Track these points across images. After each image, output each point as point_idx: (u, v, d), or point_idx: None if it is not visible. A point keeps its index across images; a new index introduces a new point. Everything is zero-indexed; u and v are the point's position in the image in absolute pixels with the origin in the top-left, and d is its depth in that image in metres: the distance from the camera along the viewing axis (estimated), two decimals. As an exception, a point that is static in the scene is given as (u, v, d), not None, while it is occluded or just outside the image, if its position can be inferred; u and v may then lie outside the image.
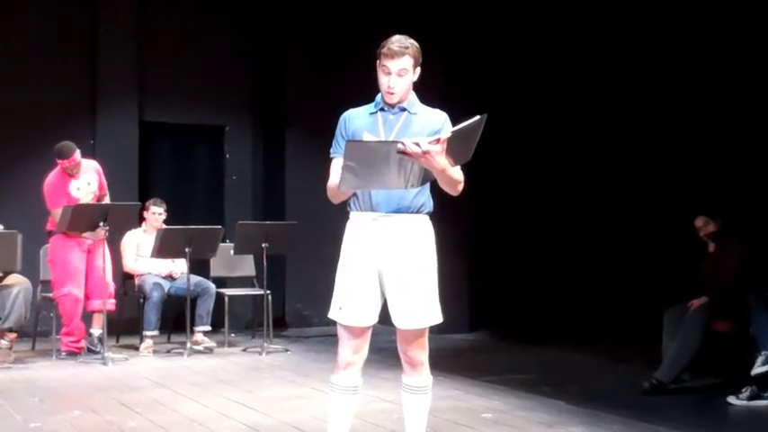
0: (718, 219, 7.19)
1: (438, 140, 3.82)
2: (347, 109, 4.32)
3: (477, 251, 10.21)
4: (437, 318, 4.27)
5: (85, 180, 8.38)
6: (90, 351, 8.27)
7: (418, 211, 4.22)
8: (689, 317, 6.90)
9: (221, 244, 8.98)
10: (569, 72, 10.19)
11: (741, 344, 6.70)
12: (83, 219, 8.02)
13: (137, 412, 6.01)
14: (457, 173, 4.07)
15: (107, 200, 8.57)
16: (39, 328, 8.82)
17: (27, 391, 6.85)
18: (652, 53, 9.38)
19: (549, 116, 10.47)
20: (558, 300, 10.04)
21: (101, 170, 8.56)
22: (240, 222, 9.06)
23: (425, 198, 4.23)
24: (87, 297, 8.36)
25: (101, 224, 7.98)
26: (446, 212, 10.03)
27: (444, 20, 9.80)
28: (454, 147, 3.87)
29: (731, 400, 6.40)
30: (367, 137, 4.09)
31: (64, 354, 8.27)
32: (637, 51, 9.54)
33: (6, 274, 8.11)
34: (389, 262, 4.18)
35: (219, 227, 9.01)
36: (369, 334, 4.30)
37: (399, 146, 3.78)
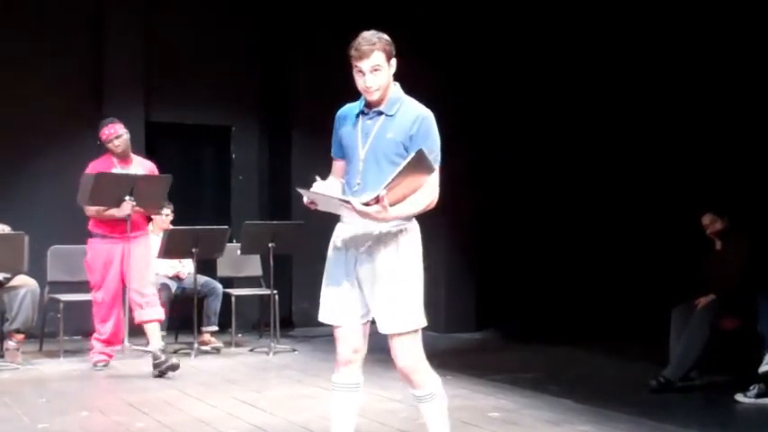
0: (726, 216, 7.18)
1: (377, 200, 3.83)
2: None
3: (484, 250, 10.20)
4: (420, 321, 4.21)
5: (134, 171, 7.73)
6: (156, 368, 7.36)
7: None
8: (696, 315, 6.89)
9: (228, 244, 8.99)
10: (577, 70, 10.17)
11: (748, 341, 6.69)
12: (106, 190, 7.34)
13: (144, 413, 6.02)
14: (414, 207, 4.04)
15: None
16: (46, 330, 8.82)
17: (34, 391, 6.86)
18: (657, 51, 9.37)
19: (555, 113, 10.45)
20: (564, 298, 10.02)
21: (156, 172, 7.96)
22: (247, 222, 9.06)
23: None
24: (131, 308, 7.63)
25: (127, 197, 7.30)
26: (452, 212, 10.09)
27: (446, 19, 9.81)
28: (404, 183, 3.87)
29: (739, 397, 6.39)
30: (317, 185, 4.07)
31: (99, 365, 7.74)
32: (642, 48, 9.53)
33: (13, 275, 8.13)
34: (363, 267, 4.17)
35: (226, 227, 9.01)
36: (362, 333, 4.29)
37: (346, 204, 3.88)
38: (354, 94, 4.29)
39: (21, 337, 8.20)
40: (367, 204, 3.87)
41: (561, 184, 10.51)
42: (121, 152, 7.64)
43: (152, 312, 7.61)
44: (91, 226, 7.70)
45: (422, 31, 9.76)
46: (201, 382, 7.16)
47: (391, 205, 3.89)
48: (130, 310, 7.61)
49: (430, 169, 3.97)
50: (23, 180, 9.38)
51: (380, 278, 4.13)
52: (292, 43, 10.60)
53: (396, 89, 4.22)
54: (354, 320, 4.25)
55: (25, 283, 8.15)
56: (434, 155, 4.04)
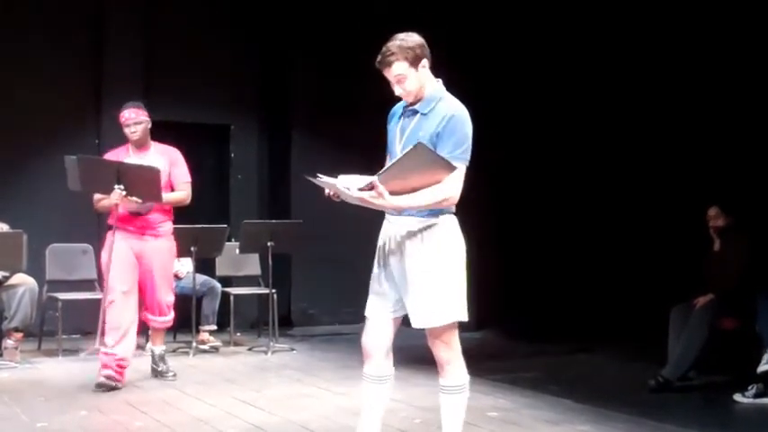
0: (731, 215, 7.17)
1: (371, 186, 3.93)
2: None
3: (483, 251, 10.18)
4: (449, 317, 4.25)
5: (150, 161, 7.01)
6: (154, 371, 7.29)
7: (429, 213, 4.19)
8: (695, 314, 6.89)
9: (227, 243, 8.99)
10: (586, 71, 10.15)
11: (747, 341, 6.69)
12: (92, 175, 6.78)
13: (143, 412, 6.01)
14: (421, 199, 4.07)
15: (180, 195, 7.13)
16: (44, 328, 8.81)
17: (33, 390, 6.85)
18: (665, 49, 9.33)
19: (563, 116, 10.43)
20: (564, 298, 10.02)
21: (179, 160, 7.22)
22: (245, 221, 9.06)
23: None
24: (143, 308, 7.17)
25: (116, 186, 6.63)
26: (468, 216, 10.10)
27: (451, 18, 9.81)
28: (404, 175, 3.95)
29: (737, 397, 6.40)
30: (341, 178, 4.06)
31: (101, 378, 6.80)
32: (650, 47, 9.49)
33: (12, 273, 8.12)
34: (394, 262, 4.29)
35: (225, 226, 9.01)
36: (387, 327, 4.38)
37: (347, 191, 3.97)
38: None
39: (19, 335, 8.19)
40: (362, 190, 3.94)
41: (560, 187, 10.50)
42: (137, 140, 7.05)
43: (164, 320, 7.26)
44: (111, 218, 6.99)
45: (427, 29, 9.77)
46: (200, 381, 7.16)
47: (395, 194, 3.95)
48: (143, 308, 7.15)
49: (441, 164, 3.99)
50: (22, 179, 9.37)
51: (408, 273, 4.22)
52: (292, 43, 10.59)
53: (435, 87, 4.29)
54: (381, 315, 4.36)
55: (24, 282, 8.14)
56: (457, 152, 4.10)
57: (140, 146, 7.07)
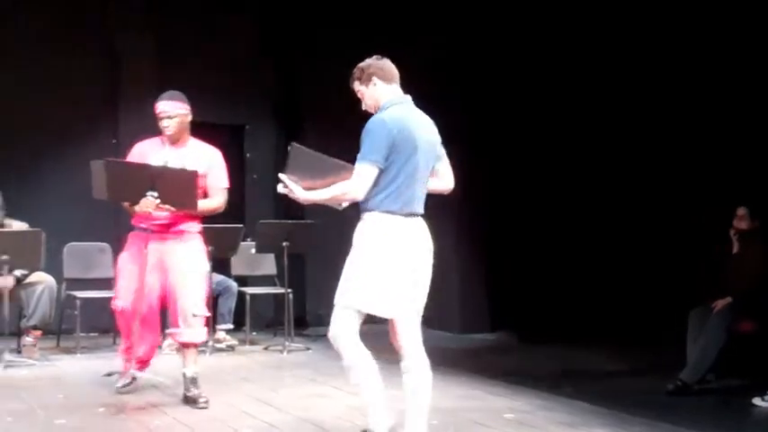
0: (757, 219, 7.13)
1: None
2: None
3: (498, 251, 10.18)
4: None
5: (183, 159, 6.30)
6: (185, 398, 6.31)
7: (366, 210, 4.73)
8: (713, 318, 6.87)
9: (242, 243, 9.01)
10: (591, 69, 10.12)
11: (766, 344, 6.66)
12: (122, 181, 6.04)
13: (160, 410, 6.04)
14: (329, 192, 4.73)
15: (215, 204, 6.40)
16: (63, 326, 8.86)
17: (52, 388, 6.89)
18: (679, 51, 9.28)
19: (572, 113, 10.40)
20: (580, 300, 9.99)
21: (219, 163, 6.49)
22: (261, 222, 9.08)
23: (373, 199, 4.68)
24: (172, 323, 6.41)
25: (148, 193, 5.97)
26: (465, 213, 10.06)
27: (459, 21, 9.82)
28: (309, 175, 4.73)
29: (756, 401, 6.37)
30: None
31: (120, 385, 6.56)
32: (663, 49, 9.45)
33: (31, 272, 8.16)
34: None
35: (240, 226, 9.03)
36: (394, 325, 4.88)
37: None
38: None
39: (38, 333, 8.24)
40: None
41: (577, 185, 10.47)
42: (171, 135, 6.37)
43: (195, 334, 6.36)
44: (134, 218, 6.39)
45: (436, 31, 9.80)
46: (216, 379, 7.16)
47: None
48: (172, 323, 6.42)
49: (330, 163, 4.78)
50: (40, 178, 9.41)
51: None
52: (307, 42, 10.60)
53: (387, 101, 4.83)
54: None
55: (42, 280, 8.19)
56: (360, 154, 4.62)
57: (175, 141, 6.39)
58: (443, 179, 4.98)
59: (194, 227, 6.41)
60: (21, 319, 8.31)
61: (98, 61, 9.83)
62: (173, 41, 10.10)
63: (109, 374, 6.89)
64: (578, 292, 10.09)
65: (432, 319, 10.10)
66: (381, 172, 4.61)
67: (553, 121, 10.44)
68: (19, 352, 8.19)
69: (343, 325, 4.76)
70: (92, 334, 9.23)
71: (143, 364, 6.58)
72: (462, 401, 6.39)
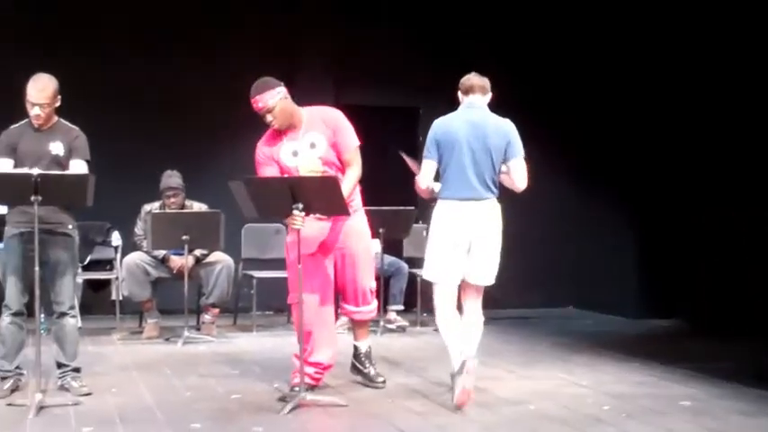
0: None
1: None
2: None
3: (675, 237, 9.89)
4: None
5: (308, 141, 5.85)
6: (356, 370, 6.27)
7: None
8: None
9: (414, 225, 9.05)
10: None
11: None
12: (265, 196, 5.67)
13: (333, 387, 6.13)
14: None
15: (353, 176, 5.92)
16: (239, 305, 9.13)
17: (228, 363, 7.12)
18: None
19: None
20: (756, 287, 9.57)
21: (340, 123, 5.92)
22: (433, 204, 9.08)
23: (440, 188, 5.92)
24: (342, 298, 6.18)
25: (293, 207, 5.43)
26: (642, 198, 9.82)
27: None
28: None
29: None
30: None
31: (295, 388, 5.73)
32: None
33: (210, 251, 8.44)
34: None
35: (412, 208, 9.06)
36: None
37: None
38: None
39: (216, 311, 8.53)
40: None
41: (748, 171, 10.03)
42: (279, 127, 5.82)
43: (367, 311, 6.22)
44: None
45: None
46: (388, 360, 7.23)
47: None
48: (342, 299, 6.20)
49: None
50: (220, 164, 9.68)
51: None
52: (478, 27, 10.54)
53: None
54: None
55: (221, 260, 8.46)
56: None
57: (288, 128, 5.84)
58: (513, 178, 5.75)
59: (357, 201, 6.09)
60: (200, 298, 8.62)
61: (281, 47, 9.91)
62: (350, 28, 10.18)
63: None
64: (754, 280, 9.67)
65: (607, 303, 10.09)
66: (439, 166, 5.80)
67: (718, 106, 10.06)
68: (198, 329, 8.51)
69: (434, 293, 5.88)
70: (267, 312, 9.51)
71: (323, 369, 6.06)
72: (636, 387, 6.26)
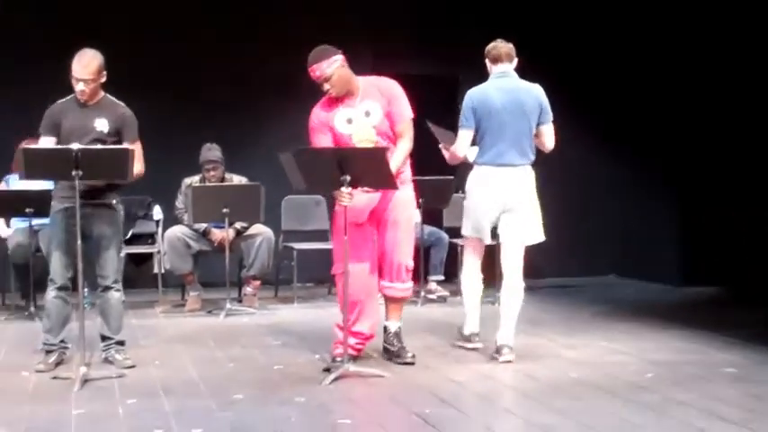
0: None
1: None
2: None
3: (720, 205, 9.78)
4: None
5: (363, 108, 5.79)
6: (386, 351, 6.09)
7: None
8: None
9: (454, 194, 9.02)
10: None
11: None
12: (314, 168, 5.61)
13: (375, 358, 6.13)
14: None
15: (404, 149, 5.83)
16: (280, 277, 9.18)
17: (270, 334, 7.16)
18: None
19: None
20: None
21: (396, 94, 5.87)
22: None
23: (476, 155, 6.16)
24: (379, 274, 5.99)
25: (342, 179, 5.37)
26: (688, 169, 9.74)
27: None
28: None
29: None
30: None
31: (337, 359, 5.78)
32: None
33: (250, 224, 8.48)
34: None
35: (451, 177, 8.99)
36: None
37: None
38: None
39: (257, 283, 8.58)
40: None
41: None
42: (337, 94, 5.75)
43: (401, 289, 6.03)
44: None
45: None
46: (428, 329, 7.24)
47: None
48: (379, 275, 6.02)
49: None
50: (261, 136, 9.71)
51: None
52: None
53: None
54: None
55: (261, 232, 8.50)
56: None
57: (345, 95, 5.78)
58: (543, 141, 6.09)
59: (407, 173, 5.96)
60: (240, 270, 8.68)
61: (321, 19, 9.85)
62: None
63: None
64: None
65: (648, 271, 10.02)
66: (476, 134, 5.97)
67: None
68: (239, 301, 8.57)
69: (464, 253, 6.45)
70: (308, 284, 9.54)
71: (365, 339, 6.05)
72: (680, 354, 6.22)
